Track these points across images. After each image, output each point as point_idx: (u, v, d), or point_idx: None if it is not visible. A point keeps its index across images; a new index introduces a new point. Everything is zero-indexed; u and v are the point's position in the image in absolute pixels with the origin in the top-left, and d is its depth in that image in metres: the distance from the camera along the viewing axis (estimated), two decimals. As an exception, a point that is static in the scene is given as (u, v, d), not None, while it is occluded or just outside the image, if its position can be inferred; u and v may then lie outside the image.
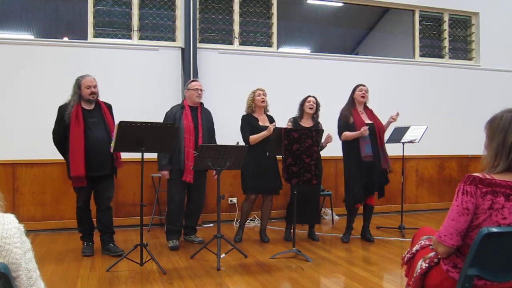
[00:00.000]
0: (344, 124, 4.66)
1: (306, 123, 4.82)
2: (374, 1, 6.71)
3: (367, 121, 4.67)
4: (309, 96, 4.86)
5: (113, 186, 4.28)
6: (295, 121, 4.82)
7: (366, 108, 4.80)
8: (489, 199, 1.77)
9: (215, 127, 4.72)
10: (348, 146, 4.65)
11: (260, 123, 4.72)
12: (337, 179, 6.11)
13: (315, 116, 4.85)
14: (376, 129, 4.63)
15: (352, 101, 4.78)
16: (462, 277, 1.79)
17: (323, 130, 4.58)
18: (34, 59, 5.22)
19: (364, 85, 4.78)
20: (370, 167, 4.57)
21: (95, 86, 4.10)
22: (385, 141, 4.86)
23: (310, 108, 4.77)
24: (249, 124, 4.69)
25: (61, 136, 4.06)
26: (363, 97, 4.73)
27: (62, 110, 4.08)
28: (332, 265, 3.94)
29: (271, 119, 4.83)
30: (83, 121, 3.99)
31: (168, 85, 5.61)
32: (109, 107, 4.27)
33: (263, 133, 4.54)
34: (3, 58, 5.12)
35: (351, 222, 4.82)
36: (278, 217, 5.80)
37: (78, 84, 4.09)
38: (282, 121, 4.88)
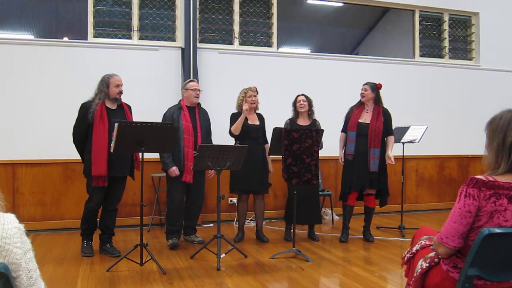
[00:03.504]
0: (345, 122, 4.85)
1: (303, 122, 4.84)
2: (374, 1, 6.71)
3: (367, 121, 4.68)
4: (298, 96, 4.89)
5: (124, 188, 4.29)
6: (291, 122, 4.82)
7: (376, 107, 4.74)
8: (492, 201, 1.77)
9: (214, 126, 4.73)
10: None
11: (249, 122, 4.73)
12: (337, 179, 6.10)
13: (310, 114, 4.87)
14: (369, 131, 4.63)
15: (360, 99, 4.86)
16: (462, 277, 1.79)
17: (323, 130, 4.59)
18: (34, 59, 5.22)
19: (365, 84, 4.78)
20: (352, 165, 4.67)
21: (122, 85, 4.11)
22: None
23: (301, 107, 4.81)
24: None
25: (83, 134, 4.03)
26: (362, 96, 4.75)
27: (86, 107, 4.03)
28: (332, 265, 3.94)
29: (260, 118, 4.84)
30: (107, 120, 3.98)
31: (168, 85, 5.61)
32: (129, 108, 4.28)
33: (241, 118, 4.55)
34: (3, 58, 5.12)
35: (345, 221, 4.85)
36: (278, 217, 5.80)
37: (106, 83, 4.06)
38: (283, 121, 4.89)
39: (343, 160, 4.81)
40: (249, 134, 4.67)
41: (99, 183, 3.99)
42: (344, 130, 4.83)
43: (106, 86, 4.06)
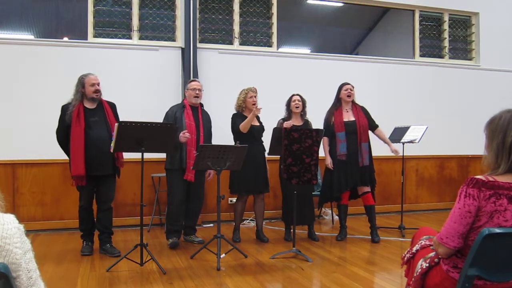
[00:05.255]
0: (326, 126, 4.82)
1: (296, 122, 4.84)
2: (374, 1, 6.71)
3: (351, 119, 4.73)
4: (293, 95, 4.89)
5: (115, 186, 4.28)
6: (285, 122, 4.82)
7: (354, 105, 4.83)
8: (492, 201, 1.77)
9: (214, 126, 4.73)
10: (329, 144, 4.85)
11: (252, 123, 4.72)
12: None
13: (302, 114, 4.88)
14: (357, 127, 4.68)
15: (338, 100, 4.87)
16: (462, 277, 1.79)
17: (323, 130, 4.59)
18: (34, 59, 5.22)
19: (349, 84, 4.83)
20: (345, 164, 4.69)
21: (98, 84, 4.11)
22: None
23: (296, 107, 4.81)
24: (240, 123, 4.68)
25: (63, 136, 4.06)
26: (349, 96, 4.79)
27: (64, 109, 4.08)
28: (332, 265, 3.94)
29: (257, 117, 4.86)
30: (84, 120, 3.99)
31: (168, 85, 5.61)
32: (112, 106, 4.26)
33: (251, 116, 4.50)
34: (3, 58, 5.12)
35: (341, 220, 4.88)
36: (277, 217, 5.80)
37: (81, 83, 4.08)
38: (282, 121, 4.89)
39: (332, 165, 4.75)
40: (253, 134, 4.67)
41: (79, 183, 4.03)
42: (327, 134, 4.77)
43: (82, 86, 4.07)
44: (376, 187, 4.92)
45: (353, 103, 4.85)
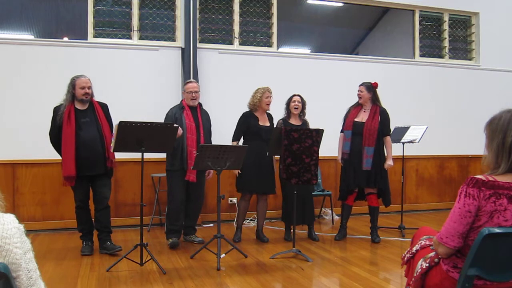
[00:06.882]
0: (343, 122, 4.86)
1: (294, 122, 4.85)
2: (374, 1, 6.71)
3: (363, 120, 4.69)
4: (294, 95, 4.88)
5: (110, 185, 4.28)
6: (284, 122, 4.82)
7: (374, 106, 4.72)
8: (492, 201, 1.77)
9: (213, 126, 4.73)
10: None
11: (261, 123, 4.73)
12: (337, 179, 6.10)
13: (301, 115, 4.87)
14: (364, 129, 4.62)
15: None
16: (462, 277, 1.79)
17: (323, 130, 4.58)
18: (34, 59, 5.22)
19: (362, 85, 4.78)
20: (349, 164, 4.70)
21: (89, 87, 4.12)
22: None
23: (295, 108, 4.81)
24: (247, 123, 4.69)
25: (56, 137, 4.08)
26: (359, 97, 4.76)
27: (55, 110, 4.11)
28: (332, 265, 3.94)
29: (270, 117, 4.86)
30: (74, 121, 4.01)
31: (168, 85, 5.61)
32: (103, 106, 4.26)
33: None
34: (3, 58, 5.12)
35: (342, 220, 4.88)
36: (278, 217, 5.80)
37: (72, 84, 4.11)
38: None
39: (342, 160, 4.82)
40: (260, 135, 4.67)
41: (69, 184, 4.05)
42: (342, 130, 4.84)
43: (73, 87, 4.10)
44: (390, 192, 4.79)
45: (375, 104, 4.72)
